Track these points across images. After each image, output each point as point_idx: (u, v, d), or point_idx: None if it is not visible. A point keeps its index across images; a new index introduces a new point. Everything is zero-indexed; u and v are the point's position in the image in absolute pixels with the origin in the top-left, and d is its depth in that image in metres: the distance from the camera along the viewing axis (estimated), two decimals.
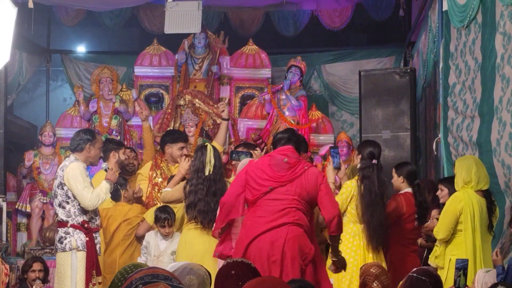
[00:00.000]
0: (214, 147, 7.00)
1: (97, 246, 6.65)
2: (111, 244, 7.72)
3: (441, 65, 8.12)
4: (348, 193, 6.53)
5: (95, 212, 6.70)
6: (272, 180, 5.60)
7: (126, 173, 8.81)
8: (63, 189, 6.60)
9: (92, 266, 6.49)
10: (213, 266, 6.07)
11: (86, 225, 6.54)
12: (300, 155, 5.89)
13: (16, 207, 10.13)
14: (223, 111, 8.43)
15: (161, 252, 7.23)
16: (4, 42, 6.48)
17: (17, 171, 10.36)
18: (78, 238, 6.50)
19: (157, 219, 7.29)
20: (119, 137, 10.39)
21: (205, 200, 6.68)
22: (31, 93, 13.23)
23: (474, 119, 6.88)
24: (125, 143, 10.35)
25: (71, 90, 11.87)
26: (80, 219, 6.54)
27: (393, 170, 7.02)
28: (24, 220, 10.29)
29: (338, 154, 6.83)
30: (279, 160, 5.63)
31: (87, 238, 6.51)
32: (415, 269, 4.43)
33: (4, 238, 9.03)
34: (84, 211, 6.56)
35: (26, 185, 10.25)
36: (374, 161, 6.46)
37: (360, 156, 6.56)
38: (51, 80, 12.63)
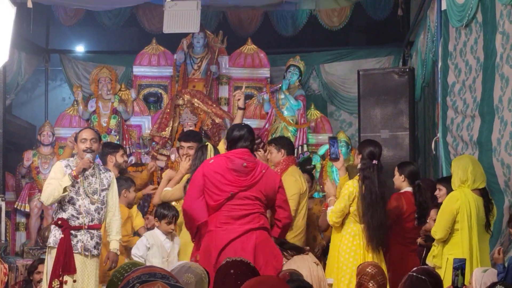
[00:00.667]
0: (214, 147, 6.96)
1: (78, 245, 6.36)
2: None
3: (439, 64, 8.13)
4: (349, 194, 6.48)
5: (78, 210, 6.41)
6: (232, 185, 5.56)
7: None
8: None
9: (59, 264, 6.23)
10: None
11: (60, 222, 6.35)
12: (253, 153, 5.85)
13: (15, 206, 10.14)
14: (239, 99, 8.35)
15: (168, 253, 7.04)
16: (3, 42, 6.49)
17: (16, 170, 10.37)
18: (53, 235, 6.39)
19: (163, 216, 7.03)
20: (117, 137, 10.40)
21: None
22: (30, 93, 13.22)
23: (474, 118, 6.89)
24: (124, 142, 10.36)
25: (70, 90, 11.88)
26: (59, 216, 6.42)
27: (396, 168, 7.00)
28: (23, 220, 10.30)
29: (336, 143, 6.78)
30: (239, 165, 5.58)
31: (62, 235, 6.31)
32: (415, 268, 4.42)
33: (3, 238, 9.03)
34: (63, 208, 6.41)
35: (25, 184, 10.26)
36: (375, 161, 6.44)
37: (360, 156, 6.53)
38: (50, 80, 12.62)
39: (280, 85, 10.58)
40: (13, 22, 6.56)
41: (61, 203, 6.43)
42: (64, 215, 6.37)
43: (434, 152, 8.47)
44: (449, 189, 6.32)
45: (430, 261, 6.25)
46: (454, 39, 7.57)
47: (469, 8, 6.74)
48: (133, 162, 9.62)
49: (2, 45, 6.50)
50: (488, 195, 6.12)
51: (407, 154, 8.96)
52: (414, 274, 4.27)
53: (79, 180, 6.42)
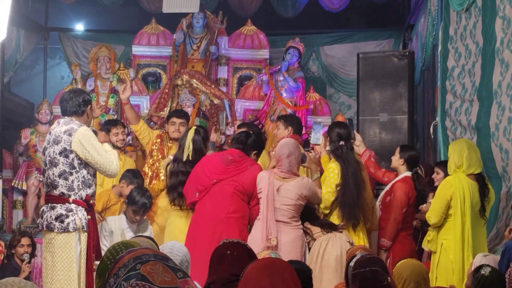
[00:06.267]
0: (197, 130, 6.81)
1: (99, 226, 5.78)
2: None
3: (439, 48, 8.11)
4: (335, 176, 6.39)
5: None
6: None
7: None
8: (67, 157, 5.41)
9: (93, 249, 5.42)
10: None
11: (90, 201, 5.45)
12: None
13: (12, 184, 10.15)
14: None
15: None
16: (1, 19, 6.45)
17: (13, 148, 10.36)
18: (82, 216, 5.37)
19: (132, 202, 6.62)
20: (116, 116, 10.37)
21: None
22: (29, 71, 13.21)
23: (473, 103, 6.88)
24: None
25: (69, 68, 11.85)
26: (83, 193, 5.40)
27: (398, 149, 6.92)
28: (20, 198, 10.31)
29: (321, 129, 6.81)
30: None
31: (89, 217, 5.42)
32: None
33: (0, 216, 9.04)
34: (88, 184, 5.43)
35: (22, 162, 10.26)
36: (342, 142, 6.40)
37: (329, 139, 6.50)
38: (49, 58, 12.60)
39: (279, 66, 10.56)
40: None
41: (84, 177, 5.47)
42: (89, 192, 5.46)
43: (432, 136, 8.46)
44: (447, 173, 6.29)
45: (425, 246, 6.25)
46: (454, 23, 7.54)
47: None
48: (130, 142, 9.58)
49: (0, 22, 6.47)
50: (484, 181, 6.08)
51: (406, 137, 8.94)
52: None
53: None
